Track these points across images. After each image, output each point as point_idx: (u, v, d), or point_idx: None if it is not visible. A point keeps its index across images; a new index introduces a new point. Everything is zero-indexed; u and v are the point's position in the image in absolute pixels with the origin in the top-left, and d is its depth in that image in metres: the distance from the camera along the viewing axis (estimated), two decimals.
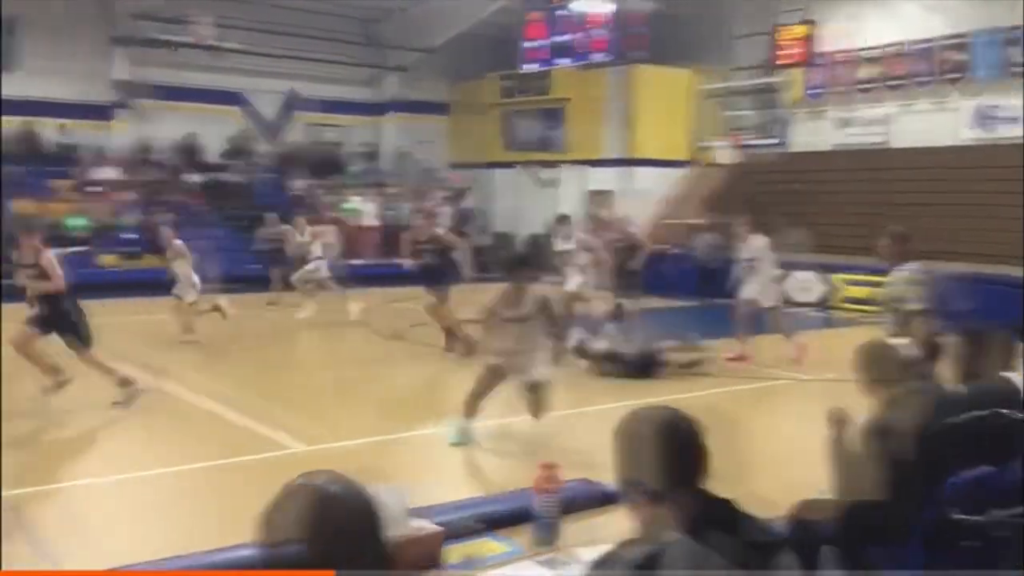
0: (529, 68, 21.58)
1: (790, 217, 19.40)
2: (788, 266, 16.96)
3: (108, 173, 19.75)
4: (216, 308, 12.00)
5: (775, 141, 20.60)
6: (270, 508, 1.45)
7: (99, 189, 19.17)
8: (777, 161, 20.53)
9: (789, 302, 16.73)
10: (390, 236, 21.27)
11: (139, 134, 21.07)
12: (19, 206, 18.00)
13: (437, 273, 10.89)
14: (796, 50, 20.17)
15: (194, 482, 6.17)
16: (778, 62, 20.52)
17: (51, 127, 20.12)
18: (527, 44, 21.34)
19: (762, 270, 10.74)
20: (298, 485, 1.49)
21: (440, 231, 11.53)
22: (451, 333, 10.72)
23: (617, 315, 11.69)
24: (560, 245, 12.81)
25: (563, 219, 14.08)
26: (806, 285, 16.99)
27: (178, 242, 11.93)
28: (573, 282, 12.15)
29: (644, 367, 9.30)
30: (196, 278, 11.69)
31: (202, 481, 6.19)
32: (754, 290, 10.65)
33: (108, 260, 17.81)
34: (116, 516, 5.65)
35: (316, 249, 14.07)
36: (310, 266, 13.99)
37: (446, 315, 10.82)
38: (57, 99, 19.97)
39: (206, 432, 7.55)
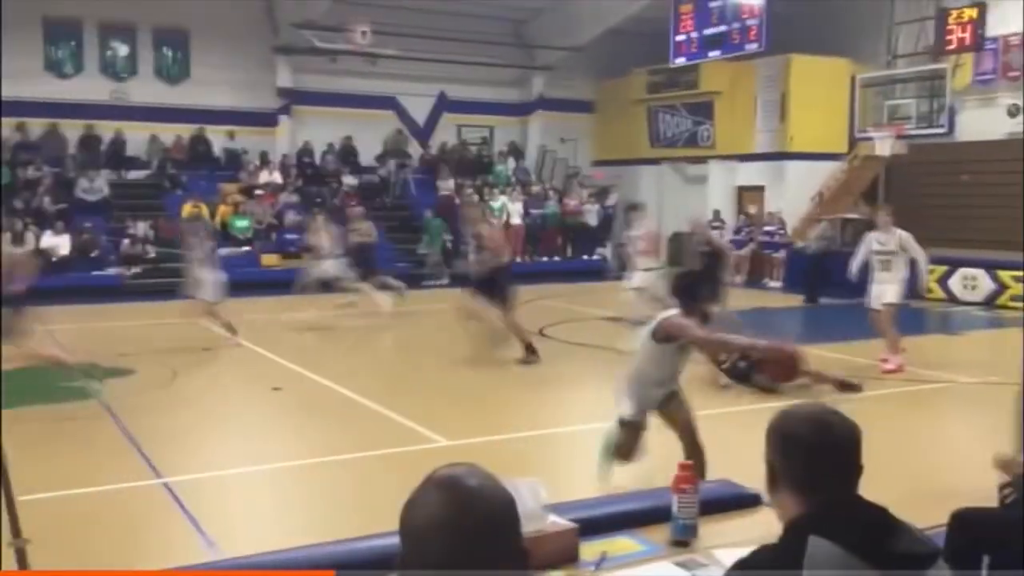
0: (679, 62, 21.24)
1: (956, 210, 18.44)
2: (953, 262, 16.14)
3: (271, 176, 20.77)
4: (229, 328, 11.58)
5: (941, 130, 19.53)
6: (410, 499, 1.47)
7: (262, 192, 20.17)
8: (942, 151, 19.47)
9: (955, 300, 15.94)
10: (534, 234, 21.54)
11: (299, 138, 22.09)
12: (188, 209, 19.19)
13: (498, 279, 10.27)
14: (964, 35, 19.04)
15: (341, 472, 6.39)
16: (945, 48, 19.44)
17: (221, 134, 21.34)
18: (677, 38, 21.00)
19: (899, 266, 9.84)
20: (438, 477, 1.49)
21: (496, 235, 10.71)
22: (527, 342, 10.31)
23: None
24: (630, 234, 12.00)
25: (634, 207, 13.26)
26: (973, 282, 16.06)
27: (208, 244, 11.91)
28: (636, 278, 11.32)
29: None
30: (219, 280, 11.52)
31: (349, 471, 6.41)
32: (890, 291, 9.75)
33: (269, 260, 18.71)
34: (269, 503, 5.93)
35: (331, 247, 13.48)
36: (324, 264, 13.37)
37: (514, 322, 10.35)
38: (225, 107, 21.17)
39: (351, 424, 7.81)
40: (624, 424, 5.33)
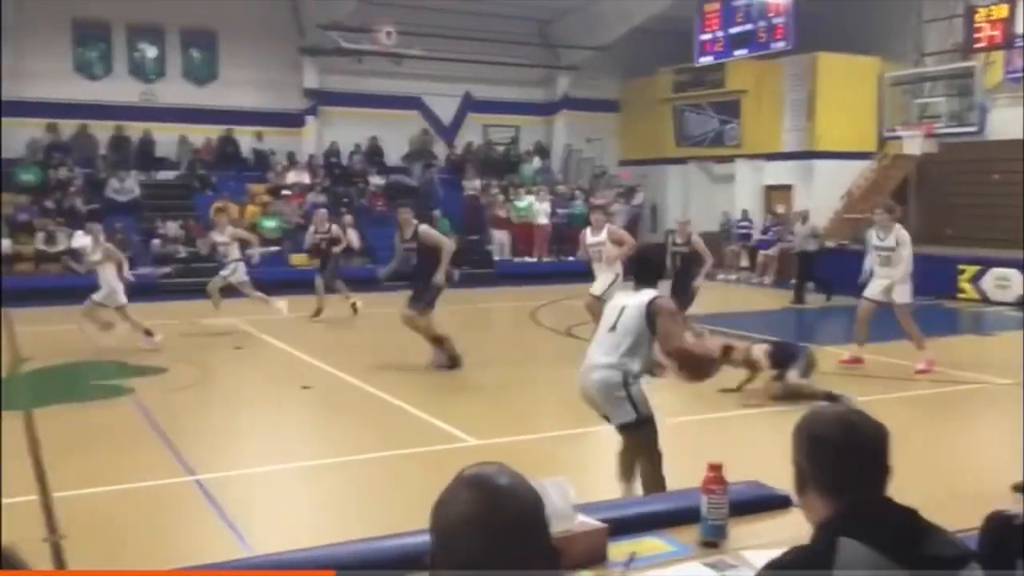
0: (705, 61, 21.15)
1: (988, 209, 18.24)
2: (985, 262, 15.97)
3: (298, 177, 20.89)
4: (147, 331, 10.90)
5: (971, 129, 19.33)
6: (441, 498, 1.48)
7: (289, 192, 20.29)
8: (973, 150, 19.28)
9: (988, 300, 15.76)
10: (561, 234, 21.52)
11: (326, 139, 22.20)
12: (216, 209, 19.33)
13: (419, 278, 9.70)
14: (994, 32, 18.83)
15: (371, 470, 6.43)
16: (974, 46, 19.23)
17: (249, 135, 21.49)
18: (703, 37, 20.91)
19: (899, 264, 9.62)
20: (468, 475, 1.50)
21: (425, 229, 9.99)
22: (439, 344, 9.81)
23: None
24: (590, 237, 10.82)
25: (595, 208, 12.24)
26: (1005, 283, 15.86)
27: (109, 244, 11.32)
28: (599, 284, 10.36)
29: None
30: (120, 284, 10.81)
31: (378, 470, 6.44)
32: (897, 289, 9.61)
33: (298, 260, 18.81)
34: (299, 500, 5.97)
35: (234, 251, 12.82)
36: (225, 270, 12.78)
37: (428, 326, 9.80)
38: (253, 108, 21.33)
39: (380, 422, 7.84)
40: (644, 424, 4.82)
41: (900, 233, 9.75)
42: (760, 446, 5.83)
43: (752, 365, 8.14)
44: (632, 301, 4.75)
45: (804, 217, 17.58)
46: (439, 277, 9.56)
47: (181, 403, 8.34)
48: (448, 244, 9.85)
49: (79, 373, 9.74)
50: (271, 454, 6.94)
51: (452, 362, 9.85)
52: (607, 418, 4.95)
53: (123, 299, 10.79)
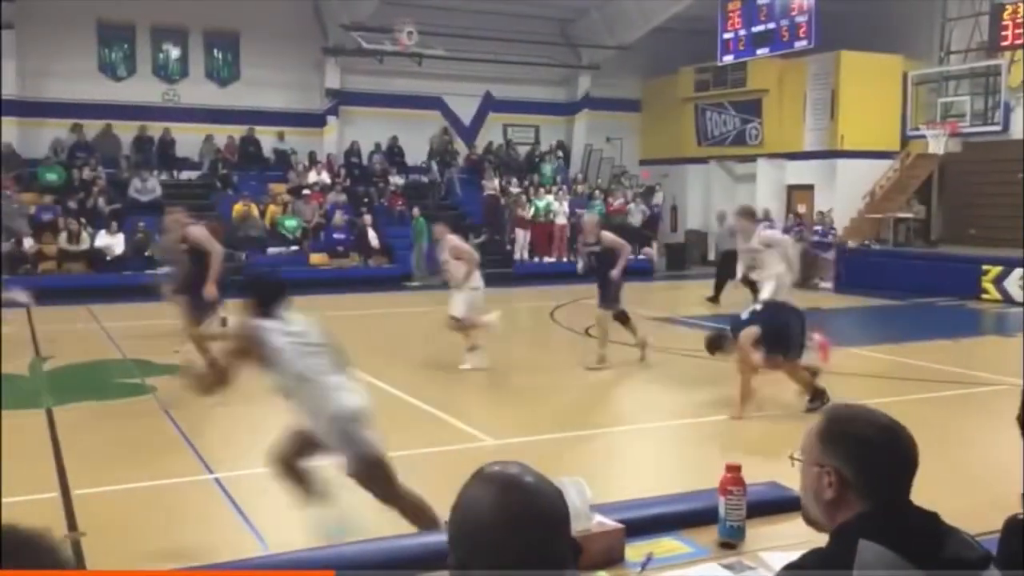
0: (727, 60, 21.04)
1: (1012, 208, 18.05)
2: (1009, 262, 15.79)
3: (319, 177, 20.97)
4: None
5: (995, 128, 19.14)
6: (464, 497, 1.46)
7: (309, 192, 20.37)
8: (997, 149, 19.08)
9: (1011, 301, 15.58)
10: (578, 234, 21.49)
11: (347, 139, 22.27)
12: (239, 208, 19.46)
13: (196, 283, 8.46)
14: (1020, 30, 18.62)
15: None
16: (1000, 44, 19.03)
17: (270, 134, 21.60)
18: (725, 36, 20.80)
19: (768, 264, 9.02)
20: (491, 474, 1.47)
21: (198, 232, 8.77)
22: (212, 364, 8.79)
23: None
24: (443, 258, 10.05)
25: (436, 220, 11.69)
26: None
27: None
28: (460, 303, 9.74)
29: None
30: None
31: (397, 469, 6.44)
32: (766, 288, 8.95)
33: (317, 259, 18.90)
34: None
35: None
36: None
37: (204, 340, 8.36)
38: (275, 108, 21.45)
39: (396, 421, 7.82)
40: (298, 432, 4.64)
41: (764, 232, 9.44)
42: (778, 447, 5.78)
43: (740, 351, 7.50)
44: (309, 320, 4.80)
45: (722, 216, 17.46)
46: (210, 290, 8.31)
47: (202, 401, 8.36)
48: (217, 249, 8.60)
49: (102, 371, 9.81)
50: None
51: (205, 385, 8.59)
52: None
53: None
